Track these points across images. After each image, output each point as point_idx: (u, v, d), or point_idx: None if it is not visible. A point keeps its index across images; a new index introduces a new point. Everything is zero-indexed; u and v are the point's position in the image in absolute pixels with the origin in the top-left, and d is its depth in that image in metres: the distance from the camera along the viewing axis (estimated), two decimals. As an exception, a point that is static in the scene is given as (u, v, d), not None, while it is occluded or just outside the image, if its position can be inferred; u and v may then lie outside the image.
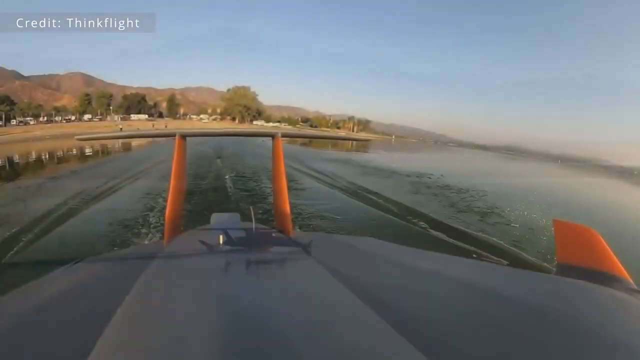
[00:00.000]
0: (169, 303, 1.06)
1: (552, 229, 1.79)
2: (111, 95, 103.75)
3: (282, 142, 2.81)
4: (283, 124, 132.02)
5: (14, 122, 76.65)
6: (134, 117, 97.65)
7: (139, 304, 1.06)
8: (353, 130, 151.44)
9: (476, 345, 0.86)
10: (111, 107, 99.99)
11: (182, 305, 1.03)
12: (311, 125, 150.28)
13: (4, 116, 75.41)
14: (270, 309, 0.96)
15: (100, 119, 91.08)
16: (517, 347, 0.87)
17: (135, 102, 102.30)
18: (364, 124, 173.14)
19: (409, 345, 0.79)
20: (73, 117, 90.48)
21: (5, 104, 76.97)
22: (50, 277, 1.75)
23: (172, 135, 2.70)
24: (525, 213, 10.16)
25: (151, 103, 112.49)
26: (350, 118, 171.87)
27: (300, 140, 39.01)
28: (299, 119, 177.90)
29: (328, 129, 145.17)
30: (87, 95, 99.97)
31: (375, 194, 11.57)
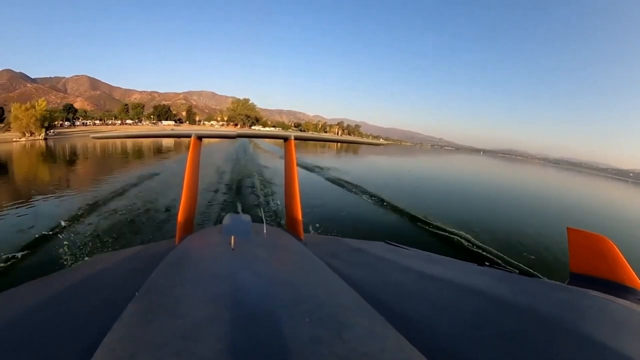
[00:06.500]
0: (177, 300, 1.06)
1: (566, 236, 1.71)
2: (143, 106, 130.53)
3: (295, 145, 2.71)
4: (277, 129, 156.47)
5: (78, 123, 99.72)
6: (164, 122, 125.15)
7: (148, 300, 1.08)
8: (337, 134, 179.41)
9: (480, 352, 0.86)
10: (151, 116, 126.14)
11: (190, 302, 1.03)
12: (301, 130, 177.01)
13: (77, 120, 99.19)
14: (276, 310, 0.96)
15: (139, 124, 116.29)
16: (523, 357, 0.85)
17: (164, 112, 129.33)
18: (351, 129, 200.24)
19: (413, 350, 0.80)
20: (119, 122, 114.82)
21: (71, 112, 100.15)
22: (64, 272, 1.85)
23: (188, 135, 2.68)
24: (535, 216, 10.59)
25: (174, 112, 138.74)
26: (339, 123, 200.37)
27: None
28: (292, 123, 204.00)
29: (316, 133, 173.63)
30: (125, 105, 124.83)
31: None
